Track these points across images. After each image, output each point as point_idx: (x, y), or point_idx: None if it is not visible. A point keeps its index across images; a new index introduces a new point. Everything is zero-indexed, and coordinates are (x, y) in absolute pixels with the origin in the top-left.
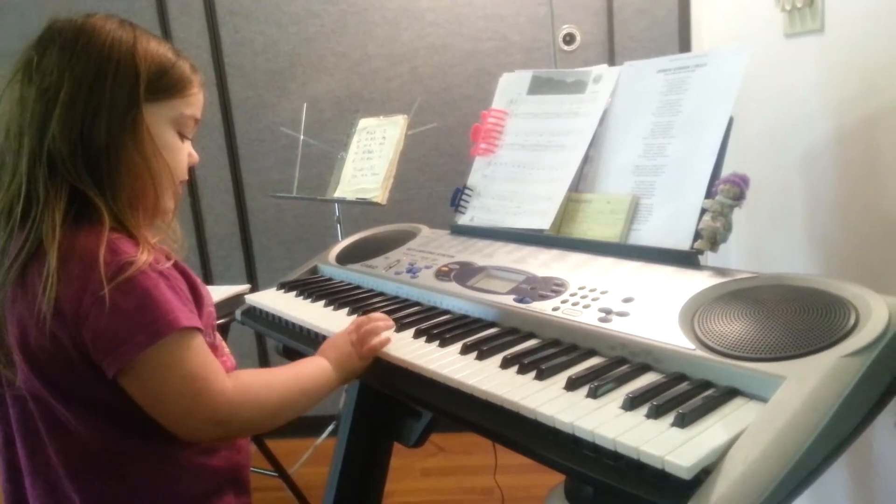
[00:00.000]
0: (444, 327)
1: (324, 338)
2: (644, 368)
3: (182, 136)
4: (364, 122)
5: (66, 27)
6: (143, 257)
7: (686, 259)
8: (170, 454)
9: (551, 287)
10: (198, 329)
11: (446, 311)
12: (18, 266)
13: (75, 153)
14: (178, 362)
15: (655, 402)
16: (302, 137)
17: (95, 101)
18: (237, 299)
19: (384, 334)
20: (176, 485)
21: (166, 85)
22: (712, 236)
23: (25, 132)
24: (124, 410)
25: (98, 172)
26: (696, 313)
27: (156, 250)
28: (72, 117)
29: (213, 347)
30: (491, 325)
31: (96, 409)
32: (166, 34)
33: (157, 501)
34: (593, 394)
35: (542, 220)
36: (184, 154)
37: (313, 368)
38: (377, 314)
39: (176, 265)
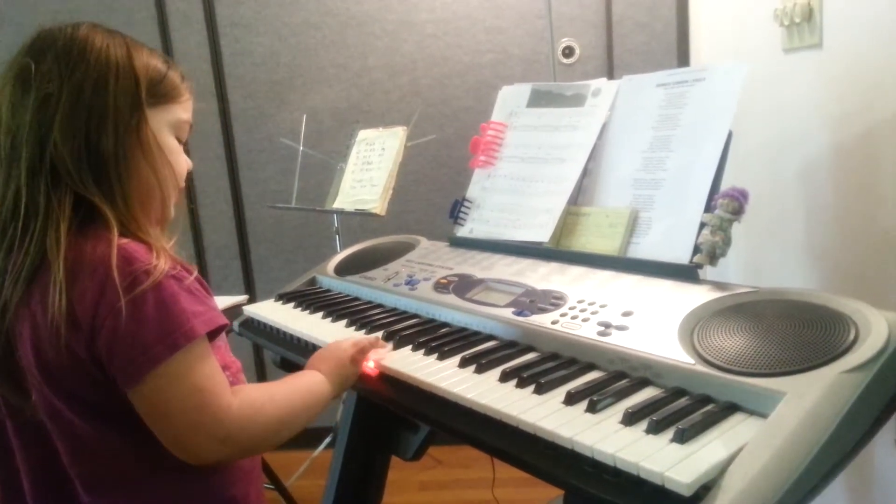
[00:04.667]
0: (442, 340)
1: None
2: (643, 383)
3: (179, 141)
4: (363, 134)
5: (59, 35)
6: (161, 265)
7: (685, 273)
8: (194, 472)
9: (550, 300)
10: (218, 328)
11: (445, 324)
12: (23, 282)
13: (80, 160)
14: (187, 375)
15: (655, 418)
16: (301, 148)
17: (99, 107)
18: (235, 310)
19: (382, 352)
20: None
21: (164, 90)
22: (711, 250)
23: (23, 142)
24: (143, 423)
25: (105, 179)
26: (695, 328)
27: (170, 255)
28: (75, 124)
29: (218, 349)
30: (489, 337)
31: (117, 422)
32: (167, 45)
33: None
34: (592, 408)
35: (541, 233)
36: (183, 158)
37: (311, 380)
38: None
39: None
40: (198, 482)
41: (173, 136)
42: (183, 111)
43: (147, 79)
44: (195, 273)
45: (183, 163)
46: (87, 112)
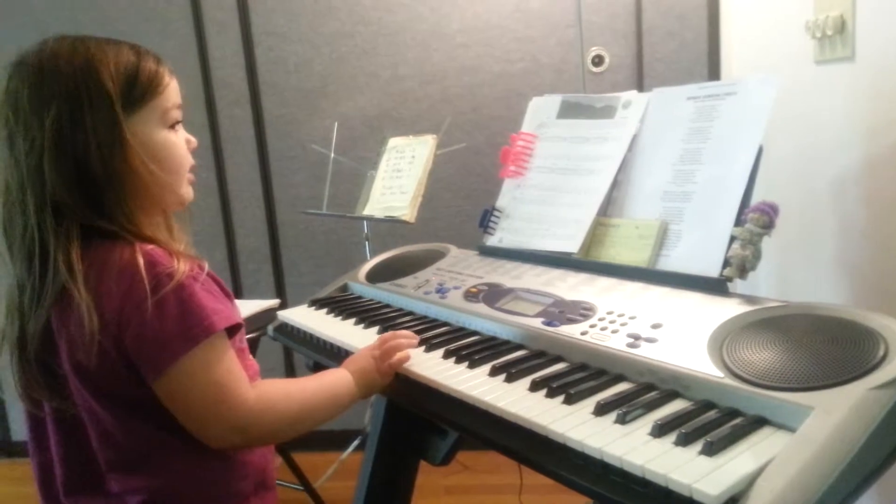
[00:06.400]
0: (472, 349)
1: None
2: (672, 395)
3: (173, 127)
4: (394, 141)
5: (26, 71)
6: (181, 267)
7: (715, 286)
8: (212, 451)
9: (579, 311)
10: (236, 326)
11: (475, 333)
12: (48, 308)
13: (75, 192)
14: (207, 368)
15: (684, 430)
16: (332, 155)
17: (81, 135)
18: (267, 314)
19: (406, 351)
20: (220, 481)
21: (141, 90)
22: (741, 264)
23: (27, 185)
24: (163, 414)
25: (105, 200)
26: (724, 341)
27: (187, 257)
28: (62, 160)
29: (240, 351)
30: (519, 347)
31: (143, 411)
32: (203, 53)
33: (205, 499)
34: (622, 420)
35: (570, 244)
36: (182, 144)
37: (335, 380)
38: (402, 331)
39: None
40: (211, 471)
41: (165, 127)
42: (166, 100)
43: (119, 89)
44: (206, 268)
45: (182, 150)
46: (71, 146)
